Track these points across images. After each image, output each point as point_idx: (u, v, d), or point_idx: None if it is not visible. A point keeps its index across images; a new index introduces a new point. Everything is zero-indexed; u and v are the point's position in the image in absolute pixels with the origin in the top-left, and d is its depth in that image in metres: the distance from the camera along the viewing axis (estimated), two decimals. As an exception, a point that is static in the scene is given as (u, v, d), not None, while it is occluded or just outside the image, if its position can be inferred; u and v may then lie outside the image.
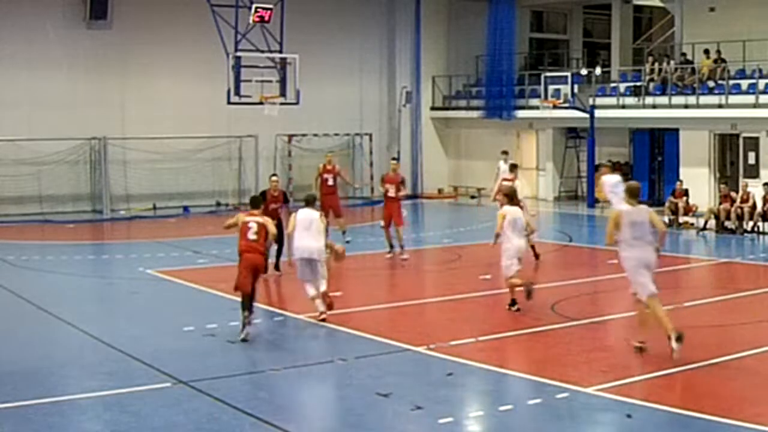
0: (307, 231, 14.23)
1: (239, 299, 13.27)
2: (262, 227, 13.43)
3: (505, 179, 20.57)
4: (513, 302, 14.54)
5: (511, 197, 14.79)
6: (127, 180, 30.14)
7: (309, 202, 14.75)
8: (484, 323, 14.15)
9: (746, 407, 9.62)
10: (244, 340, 12.83)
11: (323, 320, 13.91)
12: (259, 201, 14.54)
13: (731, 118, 27.29)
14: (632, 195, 12.13)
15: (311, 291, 14.12)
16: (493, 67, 33.86)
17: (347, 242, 20.53)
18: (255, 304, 13.52)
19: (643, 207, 12.06)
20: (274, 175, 19.51)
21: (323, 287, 14.08)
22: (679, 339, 11.38)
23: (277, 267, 17.87)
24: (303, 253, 14.16)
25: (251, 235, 13.35)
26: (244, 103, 26.48)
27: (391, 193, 20.50)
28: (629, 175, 31.85)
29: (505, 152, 25.41)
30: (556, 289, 16.54)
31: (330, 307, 14.11)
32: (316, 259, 14.10)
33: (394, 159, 23.66)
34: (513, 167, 20.92)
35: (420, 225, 28.86)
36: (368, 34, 35.06)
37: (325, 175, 21.96)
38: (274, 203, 17.69)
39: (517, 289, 14.51)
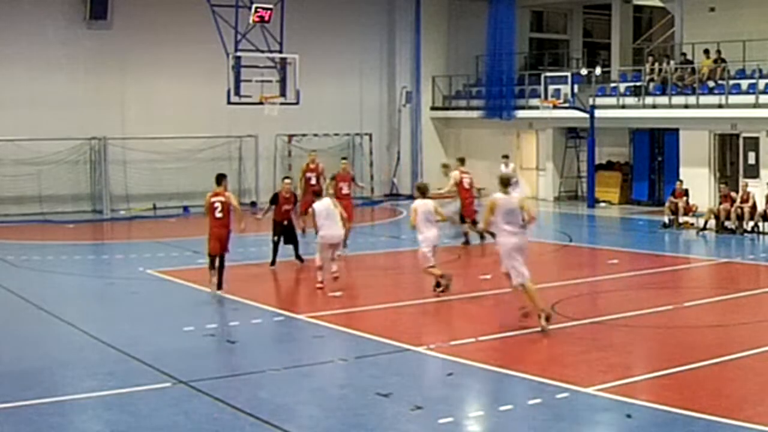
0: (328, 219, 16.35)
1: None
2: (225, 205, 15.96)
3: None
4: (438, 284, 15.89)
5: (423, 191, 16.13)
6: (127, 180, 30.14)
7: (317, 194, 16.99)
8: (484, 323, 14.16)
9: (746, 407, 9.62)
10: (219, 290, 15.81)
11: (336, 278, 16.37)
12: (222, 178, 16.56)
13: (731, 118, 27.29)
14: (504, 184, 13.42)
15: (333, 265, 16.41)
16: (493, 67, 33.85)
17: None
18: (256, 304, 14.46)
19: (515, 195, 13.43)
20: (287, 177, 20.63)
21: (335, 267, 16.45)
22: (547, 319, 12.97)
23: (299, 258, 19.02)
24: (331, 240, 16.41)
25: (218, 214, 15.89)
26: (244, 103, 26.47)
27: (345, 190, 21.40)
28: (629, 174, 32.00)
29: (505, 156, 25.66)
30: (556, 289, 16.52)
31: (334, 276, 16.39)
32: (338, 243, 16.66)
33: (344, 159, 23.92)
34: (444, 166, 22.52)
35: (420, 225, 28.84)
36: (368, 34, 35.06)
37: (308, 174, 22.43)
38: (286, 204, 18.90)
39: (439, 278, 15.95)
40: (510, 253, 13.23)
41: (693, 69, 28.73)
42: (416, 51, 35.54)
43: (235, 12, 26.67)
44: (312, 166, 22.68)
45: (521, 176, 25.53)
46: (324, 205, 16.53)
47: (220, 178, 16.39)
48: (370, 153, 34.44)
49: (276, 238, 18.88)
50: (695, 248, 22.89)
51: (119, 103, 30.27)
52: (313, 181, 22.16)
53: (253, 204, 30.88)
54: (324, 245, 16.53)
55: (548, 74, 31.35)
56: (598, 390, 10.25)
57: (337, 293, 16.01)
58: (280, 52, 27.11)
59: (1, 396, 10.20)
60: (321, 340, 13.10)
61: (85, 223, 27.74)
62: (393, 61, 35.75)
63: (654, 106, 29.40)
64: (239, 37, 26.71)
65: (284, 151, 32.94)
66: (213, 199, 15.94)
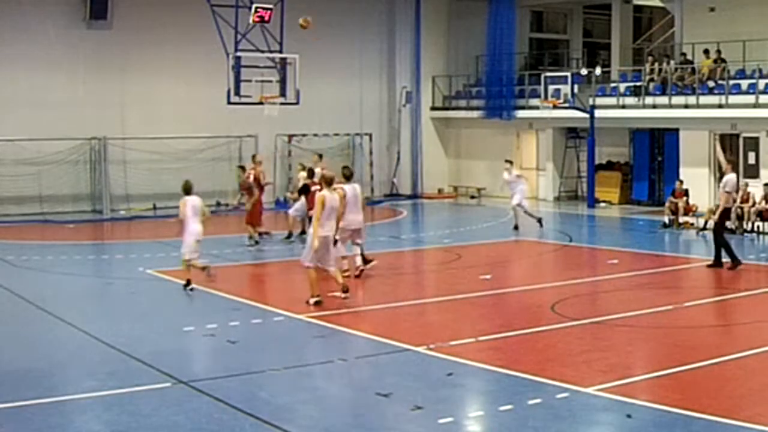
0: (355, 206, 17.03)
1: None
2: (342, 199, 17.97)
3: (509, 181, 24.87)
4: (188, 282, 16.67)
5: (188, 189, 17.24)
6: (127, 180, 30.14)
7: (348, 177, 17.37)
8: (484, 323, 14.16)
9: (746, 407, 9.62)
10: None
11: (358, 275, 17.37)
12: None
13: (731, 118, 27.28)
14: (328, 183, 15.52)
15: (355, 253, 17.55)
16: (493, 67, 33.85)
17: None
18: (256, 304, 14.89)
19: (336, 196, 15.38)
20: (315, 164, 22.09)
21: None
22: (317, 303, 14.93)
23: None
24: (351, 225, 17.04)
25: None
26: (244, 103, 26.49)
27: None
28: (629, 174, 31.99)
29: (509, 161, 25.87)
30: (556, 289, 16.54)
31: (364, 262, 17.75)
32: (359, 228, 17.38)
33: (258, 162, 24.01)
34: (305, 169, 22.66)
35: (420, 225, 28.87)
36: (368, 34, 35.06)
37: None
38: (315, 187, 20.00)
39: (198, 269, 16.96)
40: (326, 241, 15.04)
41: (693, 69, 28.73)
42: (416, 51, 35.54)
43: (235, 12, 26.69)
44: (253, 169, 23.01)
45: (524, 179, 25.71)
46: (351, 190, 17.08)
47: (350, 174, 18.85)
48: (370, 153, 34.44)
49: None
50: (695, 248, 22.88)
51: (119, 103, 30.27)
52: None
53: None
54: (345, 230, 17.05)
55: (548, 74, 31.35)
56: (598, 390, 10.25)
57: (338, 293, 16.00)
58: (280, 52, 27.13)
59: (1, 396, 10.20)
60: (321, 340, 13.10)
61: (85, 223, 27.73)
62: (393, 61, 35.75)
63: (654, 106, 29.40)
64: (239, 37, 26.73)
65: (284, 151, 32.94)
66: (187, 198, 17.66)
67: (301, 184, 22.30)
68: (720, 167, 20.19)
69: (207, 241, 22.38)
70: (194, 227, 16.98)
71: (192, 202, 17.20)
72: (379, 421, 9.60)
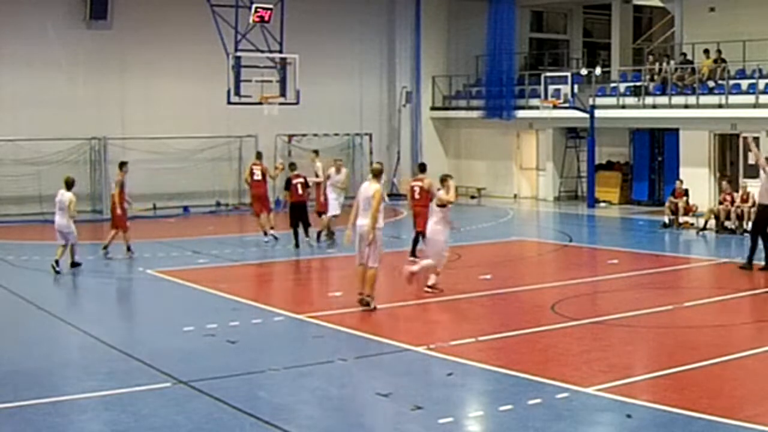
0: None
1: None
2: (423, 190, 18.54)
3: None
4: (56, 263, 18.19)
5: (70, 185, 18.65)
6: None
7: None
8: (484, 323, 14.16)
9: (746, 407, 9.62)
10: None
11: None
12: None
13: (731, 118, 27.28)
14: (375, 174, 14.70)
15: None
16: (493, 67, 33.86)
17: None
18: (256, 304, 14.76)
19: (374, 186, 14.44)
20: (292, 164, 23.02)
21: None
22: (367, 304, 14.40)
23: (308, 235, 21.67)
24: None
25: (416, 196, 18.68)
26: (244, 103, 26.49)
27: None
28: (629, 174, 31.99)
29: (315, 151, 25.51)
30: (556, 289, 16.54)
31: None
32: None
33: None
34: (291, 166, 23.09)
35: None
36: (368, 34, 35.06)
37: (253, 168, 23.45)
38: (296, 180, 21.59)
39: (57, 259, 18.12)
40: (358, 236, 14.56)
41: (693, 69, 28.73)
42: (416, 51, 35.54)
43: (235, 12, 26.68)
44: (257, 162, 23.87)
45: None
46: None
47: (423, 167, 20.02)
48: (370, 153, 34.43)
49: (294, 223, 21.35)
50: (695, 248, 22.89)
51: (119, 103, 30.26)
52: (258, 177, 23.18)
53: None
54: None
55: (548, 74, 31.37)
56: (598, 390, 10.25)
57: (338, 293, 16.00)
58: (280, 52, 27.13)
59: (1, 396, 10.20)
60: (321, 340, 13.09)
61: (85, 223, 27.64)
62: (393, 61, 35.75)
63: (654, 106, 29.40)
64: (239, 37, 26.73)
65: (284, 151, 32.93)
66: (413, 184, 19.02)
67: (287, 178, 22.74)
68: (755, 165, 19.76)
69: (208, 241, 22.46)
70: (55, 219, 18.70)
71: (59, 197, 18.60)
72: (379, 421, 9.59)
